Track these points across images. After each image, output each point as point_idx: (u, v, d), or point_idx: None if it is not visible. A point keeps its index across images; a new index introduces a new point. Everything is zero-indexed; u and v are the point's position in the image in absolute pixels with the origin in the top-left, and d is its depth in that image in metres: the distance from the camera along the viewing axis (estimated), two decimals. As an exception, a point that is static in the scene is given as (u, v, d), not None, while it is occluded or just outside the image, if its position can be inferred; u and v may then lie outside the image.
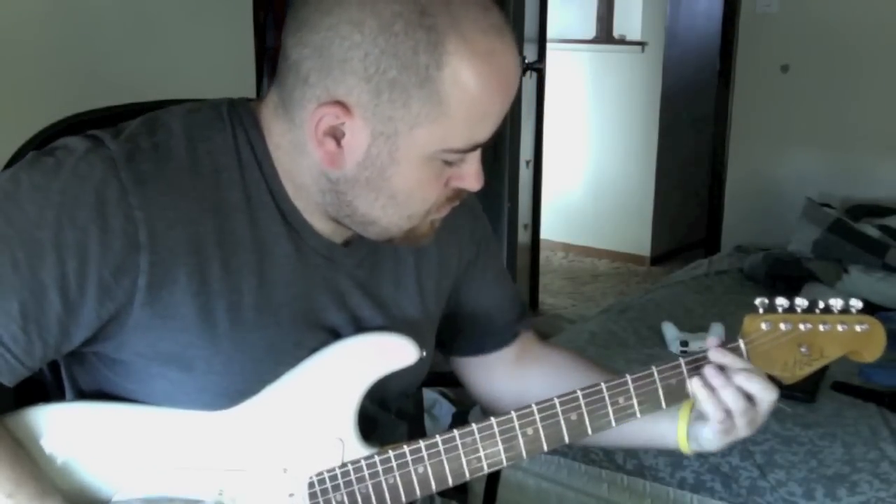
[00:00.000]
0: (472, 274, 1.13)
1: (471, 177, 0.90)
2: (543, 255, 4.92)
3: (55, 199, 0.83)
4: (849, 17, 3.74)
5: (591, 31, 5.34)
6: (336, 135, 0.86)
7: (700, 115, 4.89)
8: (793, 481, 1.99)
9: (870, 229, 3.35)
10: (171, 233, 0.85)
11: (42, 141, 1.09)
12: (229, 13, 2.41)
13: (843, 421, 2.22)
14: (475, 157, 0.89)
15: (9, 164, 1.08)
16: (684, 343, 2.68)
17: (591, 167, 5.31)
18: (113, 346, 0.89)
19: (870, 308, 1.04)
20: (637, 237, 5.24)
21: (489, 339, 1.17)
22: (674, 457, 2.12)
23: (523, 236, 4.27)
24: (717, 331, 2.73)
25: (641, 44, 5.07)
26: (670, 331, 2.76)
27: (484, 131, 0.86)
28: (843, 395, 2.34)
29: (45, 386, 1.00)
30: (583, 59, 5.21)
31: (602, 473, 2.20)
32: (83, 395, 0.96)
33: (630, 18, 5.22)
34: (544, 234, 4.68)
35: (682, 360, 0.98)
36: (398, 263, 1.03)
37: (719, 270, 3.55)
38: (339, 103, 0.83)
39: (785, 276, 3.23)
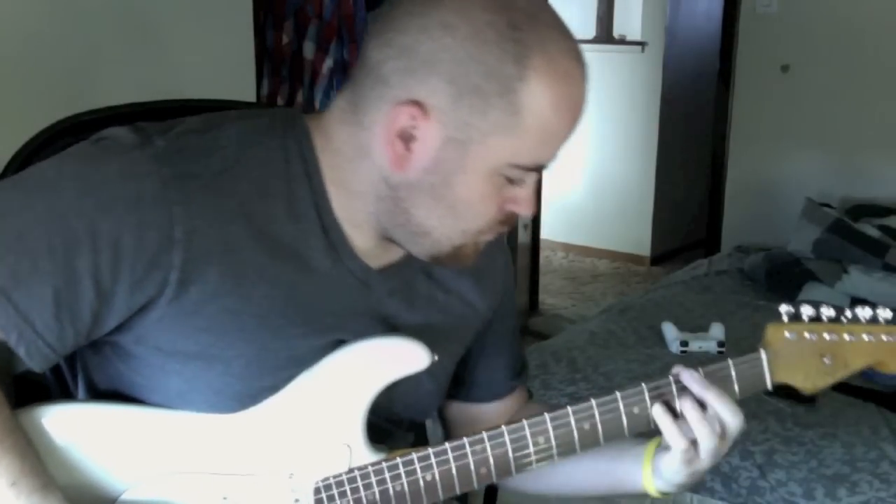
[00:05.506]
0: (492, 324, 1.13)
1: (525, 201, 0.92)
2: (543, 255, 4.92)
3: (95, 189, 0.84)
4: (848, 16, 3.74)
5: (591, 30, 5.34)
6: (406, 137, 0.86)
7: (700, 115, 4.90)
8: (793, 481, 1.99)
9: (870, 229, 3.35)
10: (208, 230, 0.86)
11: (42, 141, 1.09)
12: (229, 13, 2.41)
13: (843, 421, 2.22)
14: (533, 180, 0.92)
15: (9, 165, 1.08)
16: (684, 343, 2.68)
17: (591, 167, 5.31)
18: (132, 337, 0.89)
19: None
20: (637, 237, 5.24)
21: (487, 390, 1.16)
22: (674, 457, 2.12)
23: (523, 236, 4.27)
24: (717, 331, 2.73)
25: (641, 44, 5.07)
26: (670, 331, 2.76)
27: (549, 152, 0.89)
28: (843, 395, 2.34)
29: (45, 384, 1.00)
30: (583, 59, 5.21)
31: (602, 473, 2.20)
32: (93, 386, 0.97)
33: (630, 18, 5.23)
34: (544, 233, 4.68)
35: (644, 386, 0.95)
36: (431, 302, 1.02)
37: (719, 270, 3.55)
38: (417, 104, 0.84)
39: (785, 276, 3.23)
